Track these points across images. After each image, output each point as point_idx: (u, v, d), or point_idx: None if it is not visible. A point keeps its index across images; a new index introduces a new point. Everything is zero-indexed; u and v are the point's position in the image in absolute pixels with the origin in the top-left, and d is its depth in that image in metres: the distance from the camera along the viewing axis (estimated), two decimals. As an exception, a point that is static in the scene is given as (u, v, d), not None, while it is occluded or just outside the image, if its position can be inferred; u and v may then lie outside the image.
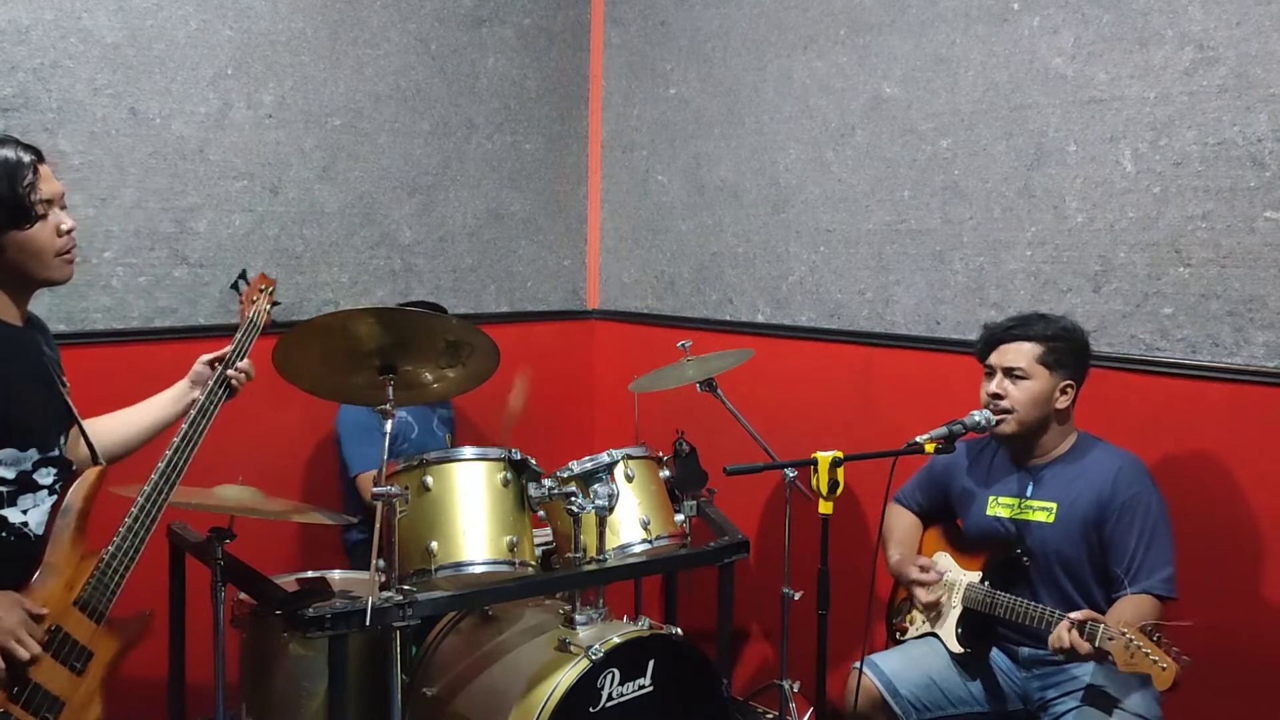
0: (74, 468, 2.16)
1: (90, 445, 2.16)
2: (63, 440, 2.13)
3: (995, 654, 2.71)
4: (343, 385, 2.68)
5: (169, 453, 2.21)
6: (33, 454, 2.03)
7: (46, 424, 2.08)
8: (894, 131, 3.34)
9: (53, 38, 3.07)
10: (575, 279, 4.32)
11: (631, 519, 2.79)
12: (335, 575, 2.99)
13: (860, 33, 3.41)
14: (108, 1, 3.15)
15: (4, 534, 2.01)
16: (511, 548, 2.62)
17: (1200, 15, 2.71)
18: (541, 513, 2.83)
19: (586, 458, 2.76)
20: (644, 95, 4.11)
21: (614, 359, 4.26)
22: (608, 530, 2.73)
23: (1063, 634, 2.36)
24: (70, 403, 2.15)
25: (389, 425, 2.56)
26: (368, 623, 2.40)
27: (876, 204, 3.40)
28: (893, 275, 3.38)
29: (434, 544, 2.57)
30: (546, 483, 2.70)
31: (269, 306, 2.59)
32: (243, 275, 2.65)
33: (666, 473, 2.96)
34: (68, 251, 2.07)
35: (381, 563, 2.51)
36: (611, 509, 2.72)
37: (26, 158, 1.99)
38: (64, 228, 2.04)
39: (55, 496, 2.08)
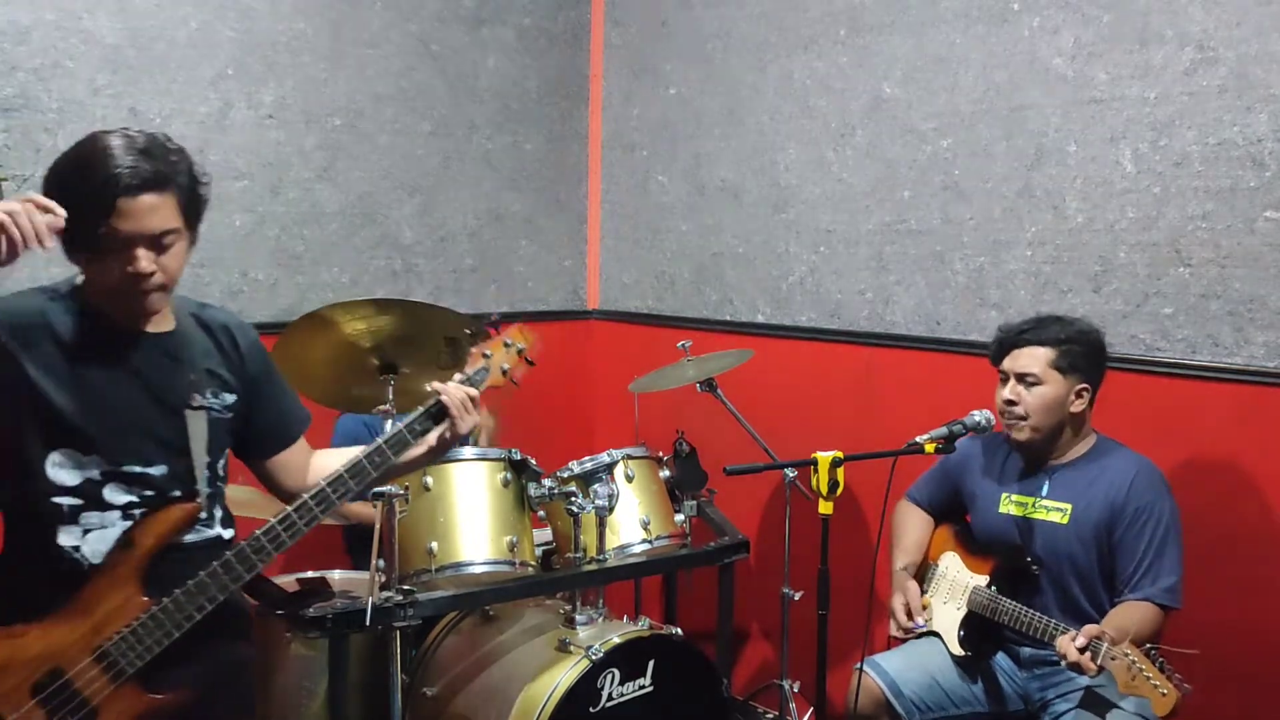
0: (204, 498, 1.86)
1: (220, 486, 1.90)
2: (162, 464, 1.84)
3: (997, 654, 2.71)
4: (343, 394, 2.68)
5: (324, 484, 1.91)
6: (97, 462, 1.78)
7: (126, 436, 1.81)
8: (894, 131, 3.34)
9: (53, 38, 3.07)
10: (575, 279, 4.33)
11: (631, 519, 2.79)
12: (335, 575, 2.99)
13: (860, 33, 3.41)
14: (108, 2, 3.15)
15: (51, 557, 1.77)
16: (511, 548, 2.63)
17: (1200, 15, 2.71)
18: (541, 513, 2.84)
19: (586, 458, 2.77)
20: (644, 95, 4.11)
21: (614, 359, 4.26)
22: (608, 530, 2.73)
23: (1068, 649, 2.33)
24: (201, 428, 1.86)
25: (389, 424, 2.56)
26: (368, 623, 2.40)
27: (876, 204, 3.40)
28: (893, 275, 3.38)
29: (434, 544, 2.57)
30: (546, 483, 2.71)
31: (508, 366, 2.16)
32: (493, 323, 2.31)
33: (666, 473, 2.96)
34: (138, 291, 1.76)
35: (381, 563, 2.52)
36: (611, 509, 2.72)
37: (113, 186, 1.69)
38: (129, 269, 1.73)
39: (130, 524, 1.81)
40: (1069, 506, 2.61)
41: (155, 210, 1.73)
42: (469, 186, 3.96)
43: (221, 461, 1.94)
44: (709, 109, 3.88)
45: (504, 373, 2.15)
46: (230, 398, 1.94)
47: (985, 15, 3.11)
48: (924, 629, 2.71)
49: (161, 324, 1.88)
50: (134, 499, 1.82)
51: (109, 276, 1.75)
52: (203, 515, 1.88)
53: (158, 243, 1.75)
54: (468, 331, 2.25)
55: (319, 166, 3.59)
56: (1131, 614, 2.43)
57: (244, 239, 3.45)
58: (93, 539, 1.79)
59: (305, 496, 1.89)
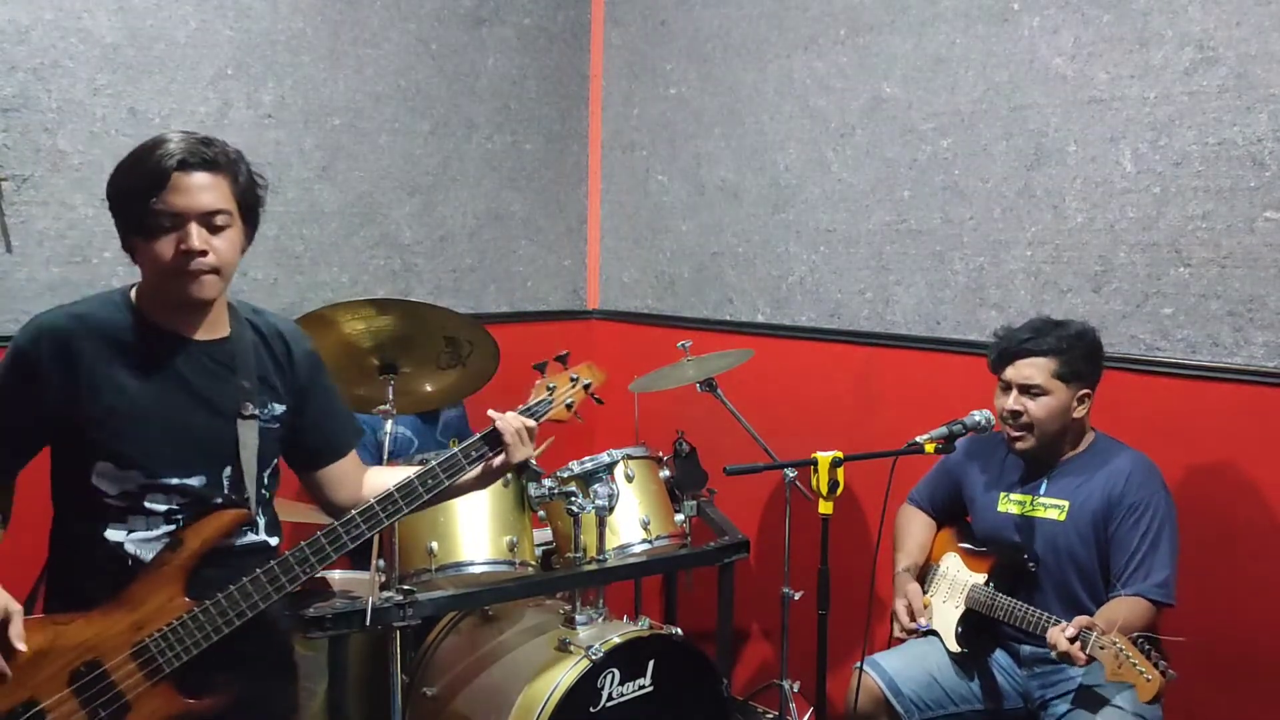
0: (247, 503, 1.87)
1: (266, 492, 1.92)
2: (202, 473, 1.84)
3: (997, 652, 2.71)
4: (343, 394, 2.67)
5: (375, 503, 1.92)
6: (135, 476, 1.79)
7: (166, 447, 1.81)
8: (894, 131, 3.34)
9: (53, 38, 3.07)
10: (575, 279, 4.33)
11: (631, 519, 2.79)
12: (335, 575, 2.99)
13: (860, 33, 3.41)
14: (108, 1, 3.15)
15: (98, 552, 1.80)
16: (511, 547, 2.63)
17: (1200, 15, 2.71)
18: (541, 513, 2.84)
19: (586, 458, 2.76)
20: (644, 95, 4.11)
21: (614, 359, 4.26)
22: (608, 530, 2.73)
23: (1058, 639, 2.35)
24: (252, 437, 1.86)
25: (389, 425, 2.56)
26: (368, 623, 2.40)
27: (876, 204, 3.40)
28: (893, 275, 3.38)
29: (434, 544, 2.58)
30: (546, 483, 2.71)
31: (573, 401, 2.15)
32: (561, 357, 2.22)
33: (666, 473, 2.96)
34: (189, 272, 1.75)
35: (381, 563, 2.52)
36: (611, 509, 2.72)
37: (168, 162, 1.74)
38: (182, 246, 1.73)
39: (174, 527, 1.82)
40: (1066, 503, 2.61)
41: (208, 189, 1.77)
42: (469, 186, 3.96)
43: (269, 470, 1.94)
44: (709, 109, 3.88)
45: (568, 407, 2.14)
46: (279, 408, 1.93)
47: (985, 15, 3.11)
48: (927, 629, 2.71)
49: (214, 330, 1.87)
50: (174, 506, 1.83)
51: (162, 258, 1.75)
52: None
53: (209, 221, 1.76)
54: (556, 358, 2.21)
55: (318, 166, 3.59)
56: (1121, 608, 2.44)
57: (244, 239, 3.45)
58: (137, 538, 1.81)
59: (354, 513, 1.90)
